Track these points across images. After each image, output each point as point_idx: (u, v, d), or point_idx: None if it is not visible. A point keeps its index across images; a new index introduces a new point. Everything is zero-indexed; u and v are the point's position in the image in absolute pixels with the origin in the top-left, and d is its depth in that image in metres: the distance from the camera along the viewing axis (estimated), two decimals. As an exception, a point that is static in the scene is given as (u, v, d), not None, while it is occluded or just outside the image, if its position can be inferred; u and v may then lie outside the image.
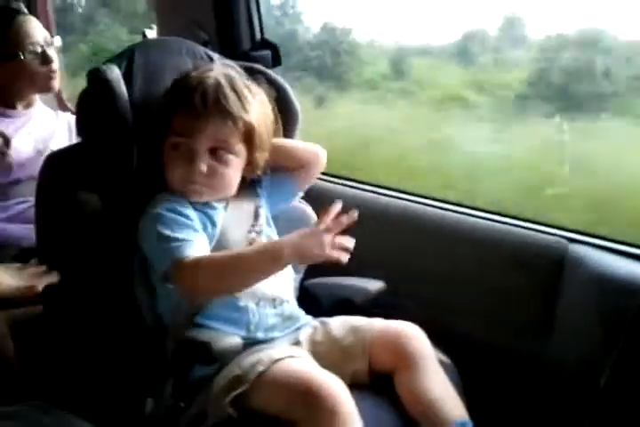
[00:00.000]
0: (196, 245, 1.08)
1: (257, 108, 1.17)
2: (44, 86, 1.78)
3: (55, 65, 1.77)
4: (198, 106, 1.11)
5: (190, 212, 1.14)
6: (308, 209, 1.37)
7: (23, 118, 1.81)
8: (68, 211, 1.18)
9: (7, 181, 1.72)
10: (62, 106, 1.94)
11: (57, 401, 0.95)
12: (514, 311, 1.38)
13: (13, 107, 1.80)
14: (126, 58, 1.24)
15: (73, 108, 2.16)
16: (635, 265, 1.22)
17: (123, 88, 1.19)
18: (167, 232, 1.09)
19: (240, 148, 1.16)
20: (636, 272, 1.19)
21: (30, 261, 1.36)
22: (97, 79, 1.19)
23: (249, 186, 1.26)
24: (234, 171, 1.17)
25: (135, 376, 1.11)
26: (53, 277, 1.14)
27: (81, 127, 1.22)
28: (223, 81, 1.14)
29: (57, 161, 1.24)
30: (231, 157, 1.15)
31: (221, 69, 1.18)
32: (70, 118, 1.90)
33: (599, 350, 1.12)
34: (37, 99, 1.86)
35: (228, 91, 1.13)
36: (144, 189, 1.20)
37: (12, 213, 1.72)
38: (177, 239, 1.08)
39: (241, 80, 1.17)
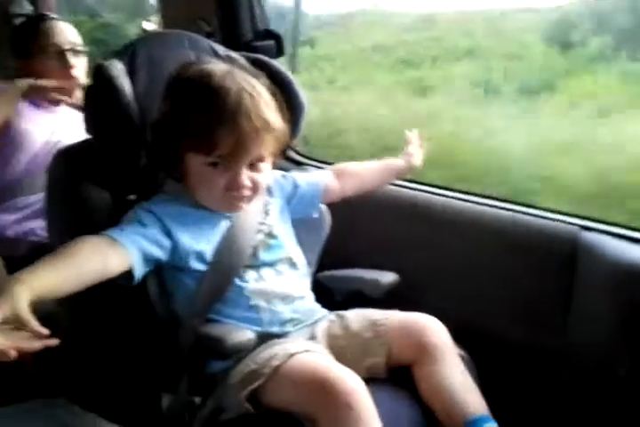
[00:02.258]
0: (130, 239, 1.05)
1: (274, 108, 1.14)
2: (64, 89, 1.81)
3: (76, 71, 1.82)
4: (244, 130, 1.06)
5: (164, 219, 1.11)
6: (324, 207, 1.37)
7: (51, 115, 1.84)
8: (76, 206, 1.17)
9: (23, 176, 1.75)
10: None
11: (72, 397, 0.95)
12: (528, 302, 1.37)
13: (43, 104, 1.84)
14: (129, 53, 1.23)
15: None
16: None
17: (127, 84, 1.18)
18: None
19: (270, 153, 1.14)
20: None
21: None
22: (101, 76, 1.17)
23: None
24: (266, 176, 1.16)
25: (151, 372, 1.11)
26: (50, 342, 0.90)
27: (87, 124, 1.21)
28: (255, 93, 1.10)
29: (66, 156, 1.23)
30: (264, 164, 1.14)
31: (241, 78, 1.12)
32: None
33: (616, 339, 1.11)
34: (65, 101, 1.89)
35: (262, 104, 1.10)
36: (153, 186, 1.19)
37: (35, 208, 1.74)
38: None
39: (258, 84, 1.13)
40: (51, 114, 1.85)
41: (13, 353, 0.85)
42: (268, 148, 1.12)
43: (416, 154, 1.44)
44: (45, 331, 0.84)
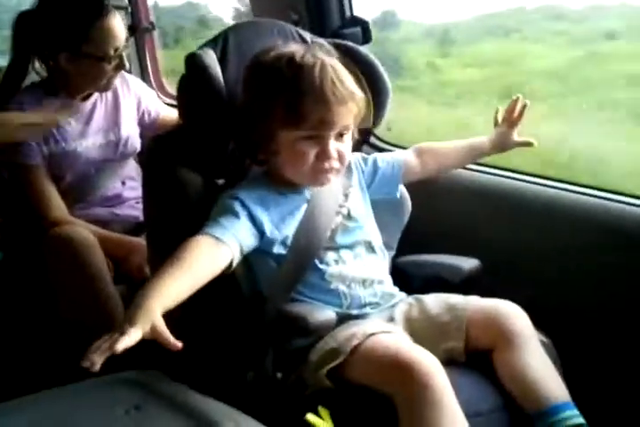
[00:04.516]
0: (230, 235, 1.09)
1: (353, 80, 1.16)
2: (105, 87, 1.76)
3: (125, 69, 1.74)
4: (332, 98, 1.10)
5: (251, 207, 1.14)
6: (404, 189, 1.38)
7: (86, 112, 1.78)
8: (171, 187, 1.24)
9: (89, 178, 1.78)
10: (162, 90, 2.03)
11: (164, 369, 1.01)
12: (615, 290, 1.33)
13: (73, 97, 1.76)
14: (221, 41, 1.27)
15: (172, 91, 2.24)
16: None
17: (218, 72, 1.22)
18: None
19: (353, 123, 1.17)
20: None
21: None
22: (194, 65, 1.22)
23: None
24: (349, 147, 1.19)
25: (238, 347, 1.16)
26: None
27: (182, 111, 1.27)
28: (336, 66, 1.14)
29: (161, 141, 1.30)
30: (348, 135, 1.17)
31: (319, 53, 1.16)
32: (137, 85, 1.89)
33: None
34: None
35: (344, 75, 1.13)
36: (241, 171, 1.24)
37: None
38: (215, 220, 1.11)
39: (334, 59, 1.17)
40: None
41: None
42: (352, 117, 1.14)
43: (506, 134, 1.38)
44: (179, 344, 0.90)
